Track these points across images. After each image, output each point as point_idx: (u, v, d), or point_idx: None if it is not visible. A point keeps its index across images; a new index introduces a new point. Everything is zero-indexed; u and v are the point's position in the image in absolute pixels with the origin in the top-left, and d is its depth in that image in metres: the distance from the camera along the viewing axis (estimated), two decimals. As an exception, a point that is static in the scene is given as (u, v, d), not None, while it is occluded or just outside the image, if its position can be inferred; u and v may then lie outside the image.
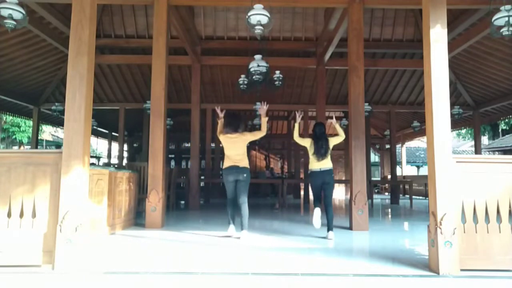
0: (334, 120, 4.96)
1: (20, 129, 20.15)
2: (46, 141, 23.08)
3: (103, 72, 10.35)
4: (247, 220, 4.59)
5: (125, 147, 15.23)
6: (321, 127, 4.97)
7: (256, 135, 4.87)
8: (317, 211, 4.71)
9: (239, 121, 4.85)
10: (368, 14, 7.97)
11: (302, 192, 12.34)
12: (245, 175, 4.64)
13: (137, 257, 3.61)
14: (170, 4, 5.88)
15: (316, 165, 4.80)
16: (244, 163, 4.68)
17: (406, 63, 9.57)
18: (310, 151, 4.85)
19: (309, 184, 4.92)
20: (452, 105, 9.63)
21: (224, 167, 4.74)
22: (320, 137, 4.85)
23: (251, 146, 16.92)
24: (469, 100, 10.80)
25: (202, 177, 10.27)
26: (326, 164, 4.80)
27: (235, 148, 4.67)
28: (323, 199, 4.87)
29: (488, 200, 3.19)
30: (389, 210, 9.08)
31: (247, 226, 4.57)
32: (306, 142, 4.94)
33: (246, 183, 4.68)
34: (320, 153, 4.76)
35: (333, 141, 4.89)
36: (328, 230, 4.67)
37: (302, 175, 12.59)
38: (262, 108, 4.87)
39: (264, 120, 4.91)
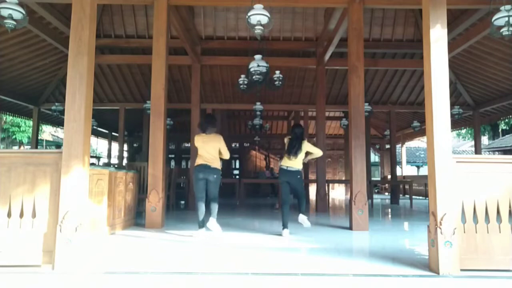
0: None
1: (20, 129, 20.13)
2: (46, 141, 23.07)
3: (103, 72, 10.35)
4: (216, 209, 4.75)
5: (125, 147, 15.24)
6: (299, 129, 5.10)
7: (225, 151, 4.90)
8: (285, 233, 4.78)
9: (212, 123, 4.93)
10: (368, 14, 7.97)
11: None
12: (215, 176, 4.74)
13: (137, 257, 3.61)
14: (170, 4, 5.88)
15: (284, 162, 4.98)
16: (215, 164, 4.77)
17: (406, 63, 9.57)
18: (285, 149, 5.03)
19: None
20: (452, 105, 9.63)
21: (195, 164, 4.84)
22: (295, 138, 4.98)
23: (251, 146, 16.95)
24: (469, 100, 10.80)
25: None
26: (295, 164, 4.93)
27: (209, 147, 4.77)
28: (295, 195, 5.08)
29: (488, 200, 3.19)
30: (389, 210, 9.08)
31: (215, 216, 4.69)
32: (286, 142, 5.09)
33: (217, 184, 4.79)
34: (291, 152, 4.88)
35: (309, 148, 5.01)
36: (300, 213, 4.93)
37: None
38: None
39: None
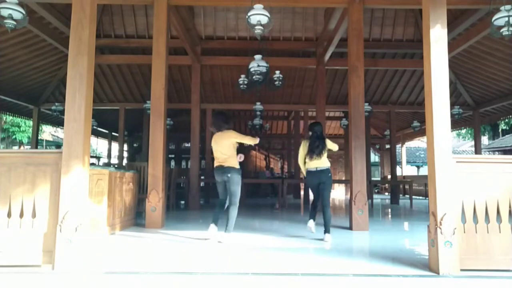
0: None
1: (20, 129, 20.13)
2: (46, 141, 23.07)
3: (103, 72, 10.35)
4: (233, 223, 4.36)
5: (125, 147, 15.24)
6: (319, 126, 4.84)
7: (244, 139, 4.58)
8: (311, 223, 4.66)
9: (221, 120, 4.62)
10: (368, 14, 7.97)
11: (302, 192, 12.34)
12: (229, 174, 4.41)
13: (137, 257, 3.61)
14: (170, 4, 5.88)
15: (310, 164, 4.70)
16: (229, 162, 4.45)
17: (406, 63, 9.57)
18: (304, 151, 4.74)
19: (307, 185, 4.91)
20: (452, 105, 9.62)
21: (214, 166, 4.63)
22: (316, 137, 4.72)
23: (251, 146, 16.95)
24: (469, 100, 10.80)
25: (202, 177, 10.27)
26: (323, 163, 4.67)
27: (221, 147, 4.48)
28: (320, 200, 4.76)
29: (488, 200, 3.19)
30: (389, 210, 9.08)
31: (232, 230, 4.33)
32: (303, 147, 4.79)
33: (233, 183, 4.44)
34: (314, 153, 4.62)
35: (330, 145, 4.75)
36: (325, 232, 4.53)
37: (302, 175, 12.57)
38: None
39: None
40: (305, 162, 4.82)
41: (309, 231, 4.72)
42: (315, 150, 4.63)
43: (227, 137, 4.50)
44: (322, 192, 4.72)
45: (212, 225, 4.44)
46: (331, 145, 4.78)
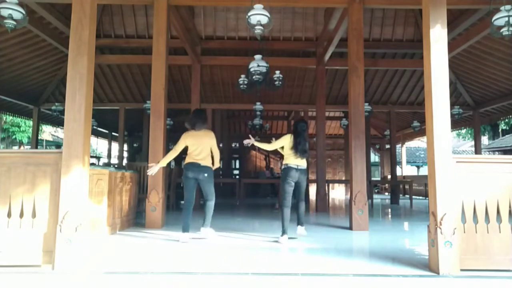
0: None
1: (20, 129, 20.14)
2: (46, 141, 23.07)
3: (103, 72, 10.35)
4: (210, 217, 4.42)
5: (125, 147, 15.24)
6: (304, 125, 4.71)
7: (214, 150, 4.59)
8: (284, 239, 4.34)
9: (203, 119, 4.62)
10: (368, 14, 7.97)
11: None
12: (206, 174, 4.45)
13: (137, 257, 3.61)
14: (170, 4, 5.88)
15: (292, 161, 4.56)
16: (206, 162, 4.49)
17: (406, 63, 9.57)
18: (289, 146, 4.58)
19: (283, 181, 4.62)
20: (452, 105, 9.63)
21: (184, 163, 4.55)
22: (302, 135, 4.62)
23: (252, 146, 16.94)
24: (469, 100, 10.80)
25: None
26: (304, 163, 4.62)
27: (201, 145, 4.49)
28: (296, 196, 4.70)
29: (488, 200, 3.19)
30: (389, 210, 9.08)
31: (209, 224, 4.39)
32: (284, 140, 4.65)
33: (210, 182, 4.50)
34: (300, 150, 4.53)
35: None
36: (298, 224, 4.54)
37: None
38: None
39: (258, 144, 4.74)
40: (282, 156, 4.73)
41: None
42: (298, 147, 4.52)
43: (209, 138, 4.55)
44: (299, 189, 4.67)
45: (186, 234, 4.33)
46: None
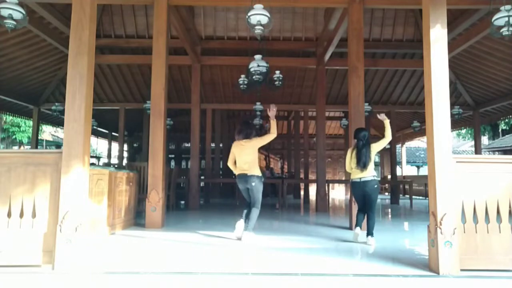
0: (383, 116, 4.58)
1: (20, 129, 20.14)
2: (46, 141, 23.08)
3: (103, 72, 10.35)
4: (253, 223, 4.55)
5: (125, 147, 15.24)
6: (365, 133, 4.56)
7: (265, 139, 4.76)
8: (358, 230, 4.43)
9: (251, 129, 4.85)
10: (368, 14, 7.97)
11: (302, 192, 12.34)
12: (253, 183, 4.58)
13: (137, 257, 3.61)
14: (170, 4, 5.88)
15: (354, 175, 4.51)
16: (253, 171, 4.60)
17: (406, 63, 9.57)
18: (352, 163, 4.53)
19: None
20: (452, 105, 9.63)
21: (236, 173, 4.77)
22: (362, 145, 4.47)
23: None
24: (469, 100, 10.80)
25: (202, 177, 10.27)
26: (368, 173, 4.42)
27: (244, 155, 4.65)
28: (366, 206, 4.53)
29: (488, 200, 3.19)
30: (389, 210, 9.08)
31: (251, 229, 4.51)
32: (349, 157, 4.63)
33: (257, 190, 4.62)
34: (359, 165, 4.41)
35: (375, 148, 4.49)
36: (368, 235, 4.40)
37: (302, 175, 12.60)
38: (272, 111, 4.79)
39: (273, 123, 4.81)
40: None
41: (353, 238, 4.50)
42: (359, 162, 4.42)
43: (251, 146, 4.69)
44: (367, 202, 4.49)
45: (241, 221, 4.60)
46: (379, 146, 4.55)
